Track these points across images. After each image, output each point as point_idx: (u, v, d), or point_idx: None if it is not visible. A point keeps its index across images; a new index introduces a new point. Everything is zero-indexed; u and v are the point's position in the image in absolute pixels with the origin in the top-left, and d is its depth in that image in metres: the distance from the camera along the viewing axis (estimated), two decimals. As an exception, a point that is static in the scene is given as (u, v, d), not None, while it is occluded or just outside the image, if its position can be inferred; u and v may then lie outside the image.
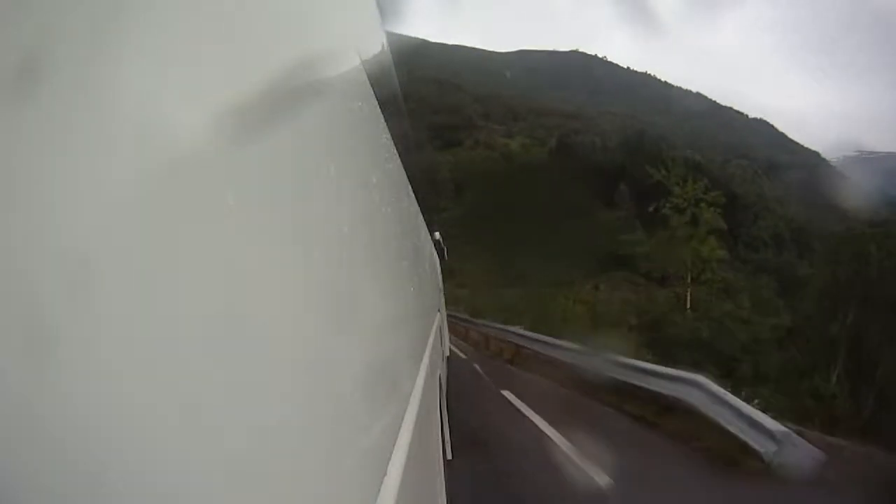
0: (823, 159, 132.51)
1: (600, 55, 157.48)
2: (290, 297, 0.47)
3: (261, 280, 0.41)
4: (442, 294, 7.21)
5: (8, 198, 0.22)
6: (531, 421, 7.40)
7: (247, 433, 0.36)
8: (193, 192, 0.33)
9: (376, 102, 1.09)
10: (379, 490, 0.71)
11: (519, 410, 8.14)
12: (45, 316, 0.23)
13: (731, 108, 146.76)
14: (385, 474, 0.76)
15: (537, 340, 13.43)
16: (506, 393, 9.20)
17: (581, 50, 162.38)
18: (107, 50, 0.27)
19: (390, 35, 1.38)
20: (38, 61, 0.23)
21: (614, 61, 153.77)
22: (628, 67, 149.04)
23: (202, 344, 0.32)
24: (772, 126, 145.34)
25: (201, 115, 0.34)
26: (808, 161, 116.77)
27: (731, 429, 6.15)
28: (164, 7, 0.32)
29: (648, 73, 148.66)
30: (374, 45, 1.07)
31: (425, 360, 2.08)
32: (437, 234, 6.13)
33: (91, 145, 0.25)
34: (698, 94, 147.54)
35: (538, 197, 71.17)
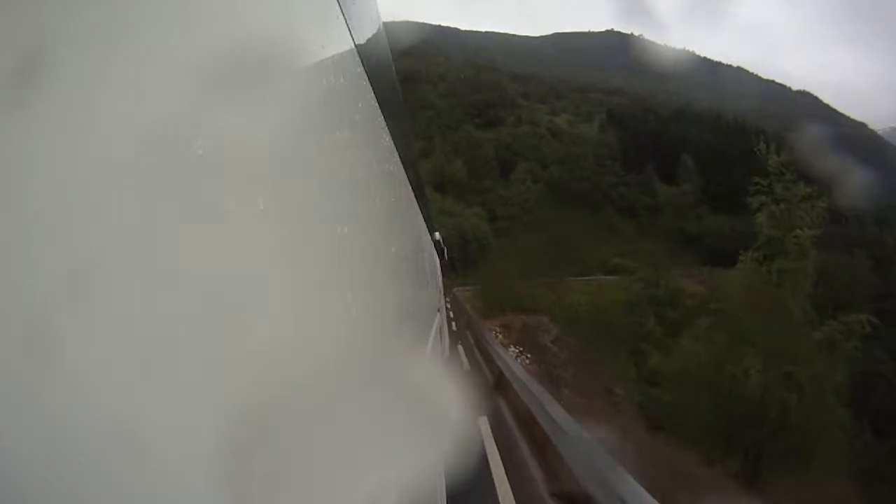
0: (871, 130, 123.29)
1: (636, 33, 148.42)
2: (288, 297, 0.46)
3: (259, 281, 0.40)
4: (442, 294, 6.85)
5: (8, 198, 0.21)
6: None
7: (246, 432, 0.34)
8: (194, 193, 0.32)
9: (376, 103, 1.07)
10: (379, 489, 0.70)
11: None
12: (45, 316, 0.22)
13: (772, 82, 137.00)
14: (385, 475, 0.75)
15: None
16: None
17: (616, 29, 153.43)
18: (99, 51, 0.26)
19: (391, 36, 1.38)
20: (38, 61, 0.22)
21: (651, 39, 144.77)
22: (665, 44, 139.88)
23: (202, 343, 0.31)
24: (816, 98, 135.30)
25: (200, 116, 0.33)
26: (855, 132, 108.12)
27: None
28: (168, 8, 0.31)
29: (687, 49, 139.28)
30: (374, 45, 1.05)
31: (424, 360, 1.92)
32: (437, 235, 5.88)
33: (84, 145, 0.24)
34: (739, 69, 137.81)
35: (592, 173, 64.88)
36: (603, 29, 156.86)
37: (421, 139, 61.39)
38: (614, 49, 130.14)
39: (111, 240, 0.25)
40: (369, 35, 0.97)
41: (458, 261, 44.38)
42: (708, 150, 65.55)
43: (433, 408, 0.95)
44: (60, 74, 0.24)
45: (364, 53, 0.89)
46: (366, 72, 0.91)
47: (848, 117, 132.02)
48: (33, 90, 0.22)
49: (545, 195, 59.61)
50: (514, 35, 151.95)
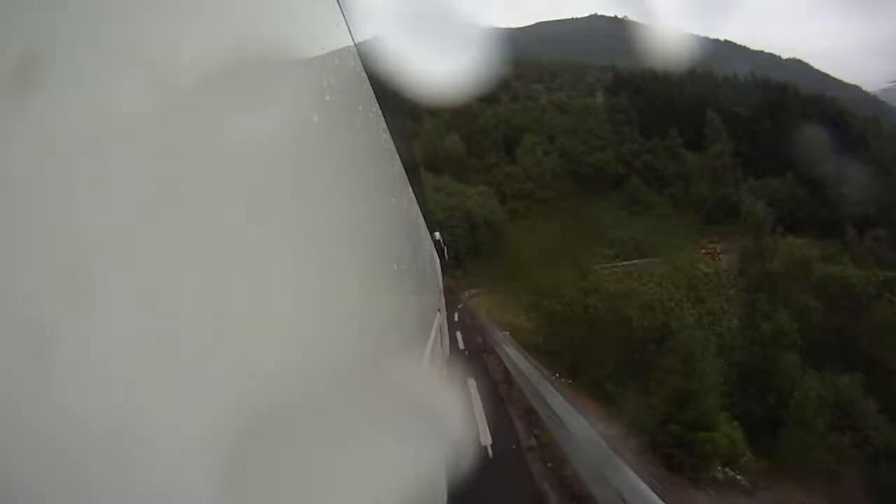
0: (866, 92, 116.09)
1: (620, 16, 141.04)
2: (289, 298, 0.44)
3: (260, 281, 0.38)
4: (442, 294, 6.83)
5: (8, 198, 0.21)
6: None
7: (250, 432, 0.33)
8: (194, 193, 0.31)
9: (376, 104, 1.05)
10: (380, 489, 0.68)
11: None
12: (45, 315, 0.21)
13: (762, 52, 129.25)
14: (386, 474, 0.73)
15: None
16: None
17: (599, 13, 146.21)
18: (101, 51, 0.25)
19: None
20: (38, 61, 0.22)
21: (635, 19, 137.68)
22: (650, 24, 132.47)
23: (203, 344, 0.30)
24: (807, 65, 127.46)
25: (202, 115, 0.32)
26: (850, 95, 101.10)
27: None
28: (169, 10, 0.30)
29: (672, 27, 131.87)
30: (373, 45, 1.02)
31: (425, 360, 1.99)
32: (437, 235, 5.75)
33: (88, 145, 0.24)
34: (726, 42, 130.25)
35: (609, 143, 56.36)
36: (586, 14, 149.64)
37: (408, 118, 52.65)
38: (600, 32, 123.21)
39: (111, 240, 0.24)
40: (369, 35, 0.94)
41: (464, 253, 35.39)
42: (731, 110, 57.08)
43: (434, 407, 1.01)
44: (60, 74, 0.23)
45: (364, 53, 0.86)
46: (366, 72, 0.89)
47: (842, 81, 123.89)
48: (33, 90, 0.22)
49: (559, 169, 50.77)
50: (497, 28, 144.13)
